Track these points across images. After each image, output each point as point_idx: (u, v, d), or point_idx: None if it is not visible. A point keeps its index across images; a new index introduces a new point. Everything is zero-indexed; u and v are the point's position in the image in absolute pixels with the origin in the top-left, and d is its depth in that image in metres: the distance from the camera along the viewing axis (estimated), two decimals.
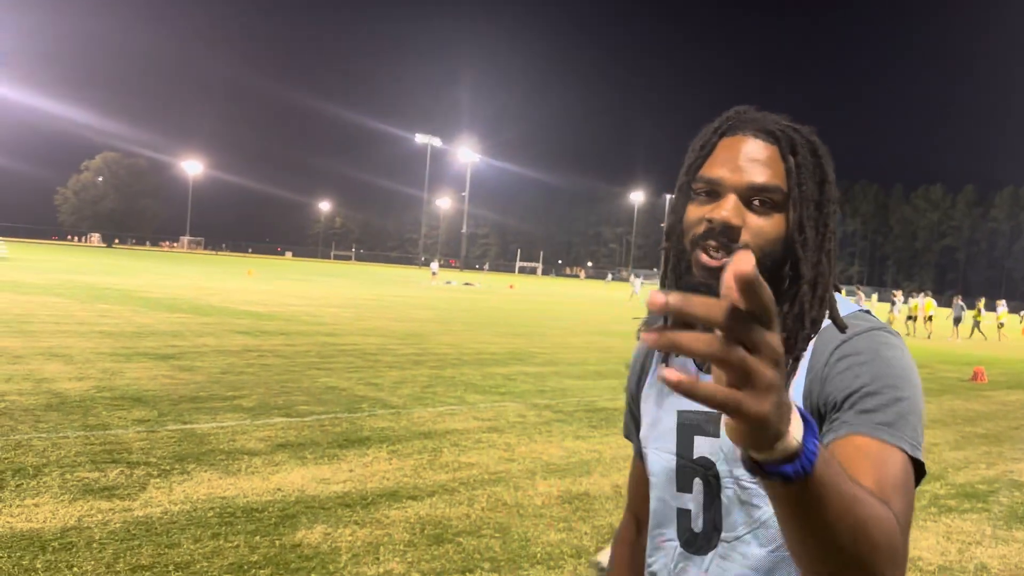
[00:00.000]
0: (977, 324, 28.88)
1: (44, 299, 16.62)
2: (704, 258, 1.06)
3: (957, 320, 27.66)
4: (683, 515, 1.16)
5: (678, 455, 1.16)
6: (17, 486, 4.63)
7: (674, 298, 0.57)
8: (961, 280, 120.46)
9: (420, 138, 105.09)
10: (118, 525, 4.14)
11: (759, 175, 1.07)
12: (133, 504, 4.48)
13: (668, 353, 1.03)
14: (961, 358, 19.19)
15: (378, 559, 3.97)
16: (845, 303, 1.14)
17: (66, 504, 4.39)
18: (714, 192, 1.08)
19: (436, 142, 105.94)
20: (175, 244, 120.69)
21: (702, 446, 1.13)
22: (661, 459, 1.19)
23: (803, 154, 1.09)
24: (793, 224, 1.07)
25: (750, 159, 1.07)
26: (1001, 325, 29.73)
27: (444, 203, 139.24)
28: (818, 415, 1.03)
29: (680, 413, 1.16)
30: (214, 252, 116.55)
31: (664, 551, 1.19)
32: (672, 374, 0.58)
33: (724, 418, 0.64)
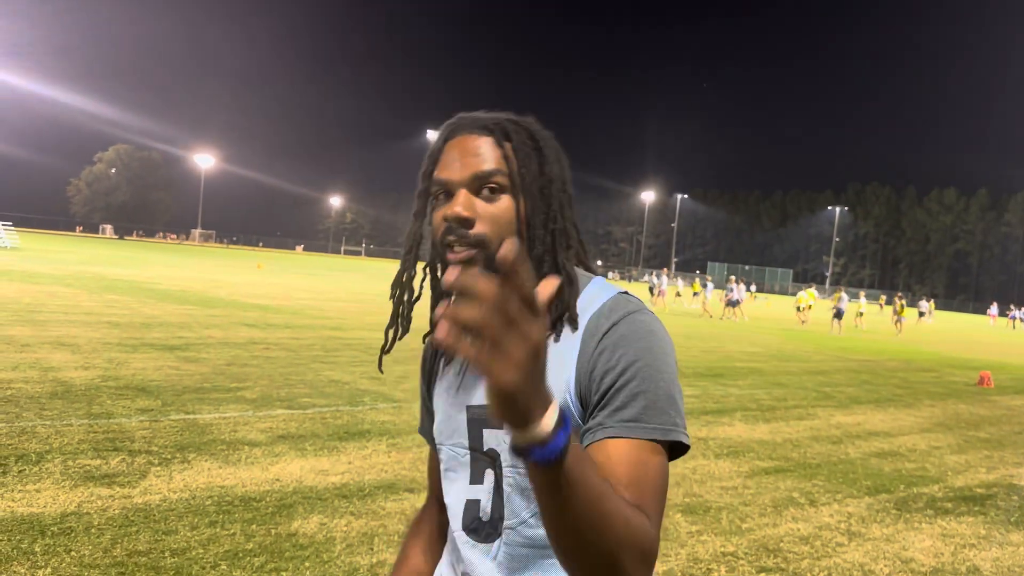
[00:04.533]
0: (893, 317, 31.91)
1: (54, 289, 16.76)
2: (449, 256, 1.12)
3: (838, 314, 28.12)
4: (471, 506, 1.18)
5: (470, 448, 1.20)
6: (20, 471, 4.70)
7: (460, 275, 0.67)
8: (974, 284, 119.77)
9: (432, 133, 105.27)
10: (117, 511, 4.20)
11: (480, 164, 1.13)
12: (133, 491, 4.53)
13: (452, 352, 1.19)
14: (968, 363, 19.12)
15: (372, 549, 4.02)
16: (604, 286, 1.19)
17: (67, 490, 4.45)
18: (449, 193, 1.14)
19: None
20: (183, 237, 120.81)
21: (490, 438, 1.16)
22: (456, 455, 1.22)
23: (518, 140, 1.16)
24: (515, 206, 1.14)
25: (470, 154, 1.14)
26: (860, 314, 32.67)
27: None
28: (589, 405, 1.07)
29: (469, 408, 1.20)
30: (225, 245, 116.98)
31: (457, 542, 1.21)
32: (452, 274, 0.68)
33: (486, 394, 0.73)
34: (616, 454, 1.01)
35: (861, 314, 32.91)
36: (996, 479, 6.87)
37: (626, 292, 1.16)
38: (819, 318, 33.22)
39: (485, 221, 1.11)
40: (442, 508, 1.38)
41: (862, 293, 36.41)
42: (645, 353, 1.07)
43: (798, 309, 30.92)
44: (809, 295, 32.30)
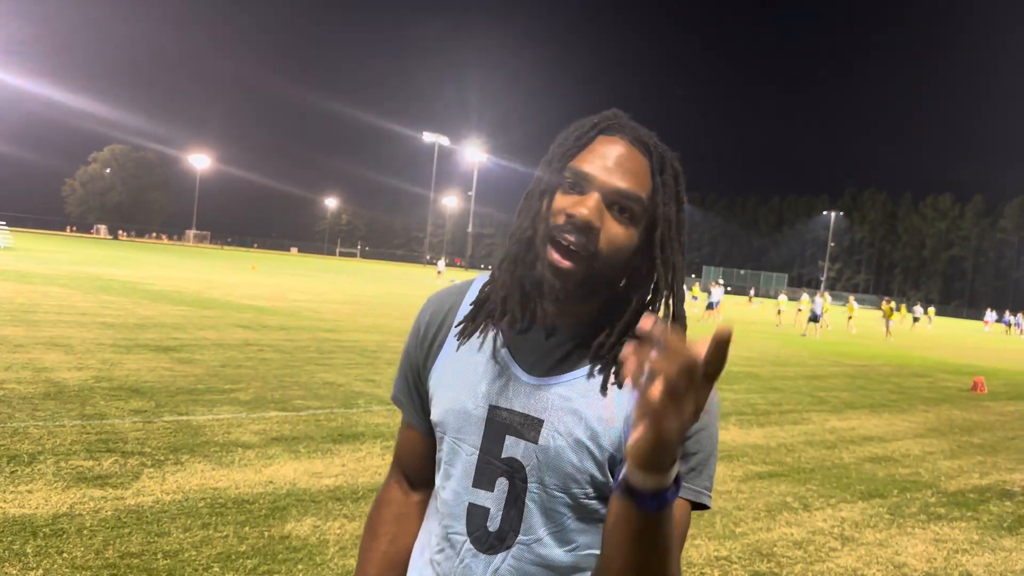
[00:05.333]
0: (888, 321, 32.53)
1: (48, 289, 16.70)
2: (555, 256, 1.05)
3: (814, 318, 28.23)
4: (476, 511, 1.13)
5: (481, 450, 1.13)
6: (11, 472, 4.68)
7: (660, 329, 0.73)
8: (968, 290, 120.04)
9: (428, 137, 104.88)
10: (109, 513, 4.18)
11: (627, 181, 1.06)
12: (125, 493, 4.52)
13: (469, 333, 1.18)
14: (961, 368, 19.16)
15: None
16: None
17: (59, 491, 4.43)
18: (579, 187, 1.07)
19: (444, 141, 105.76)
20: (176, 238, 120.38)
21: (514, 447, 1.10)
22: (460, 451, 1.15)
23: (668, 176, 1.12)
24: (637, 240, 1.09)
25: (621, 164, 1.07)
26: (849, 319, 33.44)
27: (451, 202, 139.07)
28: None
29: (494, 409, 1.13)
30: (220, 246, 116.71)
31: (452, 544, 1.16)
32: (649, 321, 0.74)
33: (632, 434, 0.80)
34: None
35: (850, 318, 33.21)
36: (989, 484, 6.89)
37: None
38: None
39: (606, 239, 1.06)
40: (413, 487, 1.33)
41: (851, 297, 36.96)
42: (704, 415, 1.03)
43: (778, 312, 32.00)
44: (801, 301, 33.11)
